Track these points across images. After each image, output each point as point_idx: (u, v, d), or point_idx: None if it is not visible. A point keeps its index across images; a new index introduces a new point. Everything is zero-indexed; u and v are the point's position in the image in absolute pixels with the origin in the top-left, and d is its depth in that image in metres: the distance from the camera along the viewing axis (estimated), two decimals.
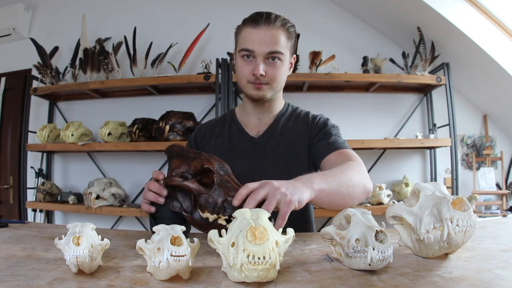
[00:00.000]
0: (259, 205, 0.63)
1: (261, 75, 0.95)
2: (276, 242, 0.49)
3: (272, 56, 0.95)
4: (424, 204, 0.56)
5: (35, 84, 2.30)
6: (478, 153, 2.29)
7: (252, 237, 0.47)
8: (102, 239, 0.55)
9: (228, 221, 0.68)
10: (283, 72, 1.01)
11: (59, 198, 2.29)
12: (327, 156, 0.98)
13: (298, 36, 1.07)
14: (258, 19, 0.94)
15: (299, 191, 0.68)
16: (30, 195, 2.31)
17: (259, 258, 0.45)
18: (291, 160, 1.06)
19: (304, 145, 1.08)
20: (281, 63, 0.98)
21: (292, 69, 1.08)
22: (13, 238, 0.77)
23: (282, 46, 0.96)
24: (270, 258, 0.46)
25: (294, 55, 1.07)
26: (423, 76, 2.05)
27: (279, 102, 1.13)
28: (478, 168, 2.26)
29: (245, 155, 1.06)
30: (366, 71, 2.18)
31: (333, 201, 0.84)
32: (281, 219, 0.63)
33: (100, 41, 2.29)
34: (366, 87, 2.26)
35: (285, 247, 0.52)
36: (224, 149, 1.08)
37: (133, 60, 2.20)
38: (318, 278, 0.49)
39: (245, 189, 0.65)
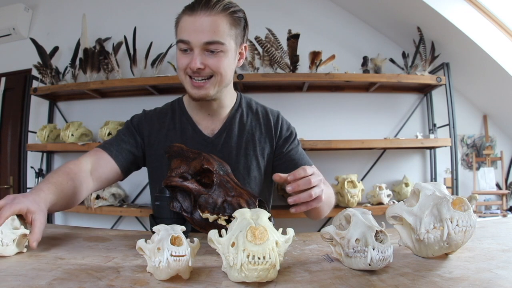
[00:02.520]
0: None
1: (199, 68, 0.84)
2: (276, 242, 0.49)
3: (210, 48, 0.83)
4: (424, 204, 0.56)
5: (35, 84, 2.30)
6: (478, 153, 2.29)
7: (252, 237, 0.47)
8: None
9: (228, 221, 0.69)
10: (228, 64, 0.88)
11: None
12: None
13: (246, 23, 0.93)
14: (195, 4, 0.83)
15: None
16: None
17: (259, 258, 0.45)
18: (250, 163, 1.00)
19: (267, 147, 1.03)
20: (224, 54, 0.85)
21: (242, 60, 0.96)
22: None
23: (223, 35, 0.84)
24: (270, 258, 0.46)
25: (245, 45, 0.95)
26: (423, 76, 2.05)
27: (230, 96, 1.02)
28: (478, 168, 2.26)
29: None
30: (366, 71, 2.18)
31: (316, 212, 0.92)
32: (305, 207, 0.70)
33: (100, 41, 2.28)
34: (366, 87, 2.25)
35: (285, 247, 0.52)
36: None
37: (133, 60, 2.20)
38: (318, 278, 0.49)
39: (303, 172, 0.69)
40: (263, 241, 0.47)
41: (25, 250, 0.62)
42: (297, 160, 1.04)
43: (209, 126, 1.01)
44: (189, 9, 0.84)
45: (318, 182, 0.70)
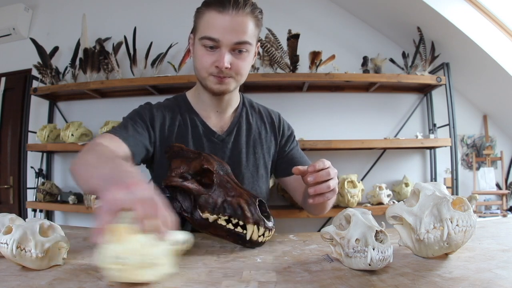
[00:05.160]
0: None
1: (226, 67, 0.84)
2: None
3: (239, 47, 0.85)
4: (424, 204, 0.56)
5: (35, 84, 2.30)
6: (478, 153, 2.29)
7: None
8: None
9: (228, 221, 0.69)
10: (249, 64, 0.91)
11: (59, 198, 2.28)
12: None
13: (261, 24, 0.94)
14: (225, 2, 0.82)
15: None
16: (30, 195, 2.31)
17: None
18: (258, 162, 1.01)
19: (273, 146, 1.05)
20: (247, 54, 0.88)
21: (255, 58, 0.98)
22: None
23: (251, 35, 0.86)
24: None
25: (258, 43, 0.98)
26: (423, 76, 2.05)
27: (237, 94, 1.05)
28: (478, 168, 2.26)
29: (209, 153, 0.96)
30: (366, 71, 2.18)
31: (323, 206, 0.93)
32: (322, 198, 0.72)
33: (100, 41, 2.28)
34: (366, 87, 2.25)
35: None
36: (187, 142, 0.96)
37: (133, 60, 2.20)
38: (318, 278, 0.49)
39: (322, 164, 0.71)
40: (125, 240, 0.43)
41: (62, 262, 0.55)
42: (298, 158, 1.05)
43: (217, 123, 1.01)
44: (219, 5, 0.83)
45: (334, 175, 0.73)
